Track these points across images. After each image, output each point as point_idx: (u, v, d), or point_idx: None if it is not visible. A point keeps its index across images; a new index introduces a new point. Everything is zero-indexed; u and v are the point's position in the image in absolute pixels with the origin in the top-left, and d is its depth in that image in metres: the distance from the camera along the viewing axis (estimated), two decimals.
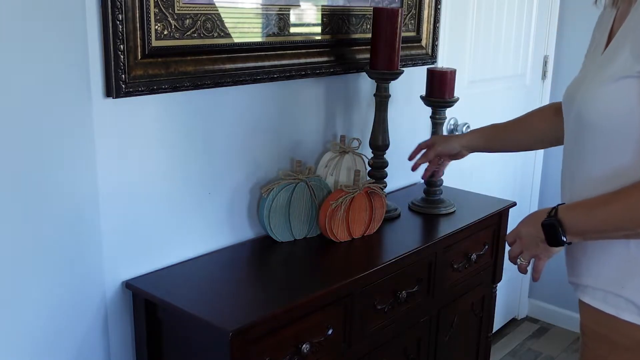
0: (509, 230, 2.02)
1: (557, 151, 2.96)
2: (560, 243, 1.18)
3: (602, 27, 1.26)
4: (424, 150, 1.78)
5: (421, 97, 1.90)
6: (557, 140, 1.56)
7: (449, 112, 2.34)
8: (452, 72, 1.86)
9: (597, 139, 1.15)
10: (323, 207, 1.62)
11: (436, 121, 1.90)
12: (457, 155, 1.75)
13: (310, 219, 1.67)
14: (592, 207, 1.15)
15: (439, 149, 1.73)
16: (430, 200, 1.92)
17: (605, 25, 1.24)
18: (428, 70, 1.88)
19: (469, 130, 2.41)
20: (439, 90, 1.85)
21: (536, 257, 1.26)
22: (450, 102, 1.88)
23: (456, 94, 1.90)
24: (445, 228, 1.79)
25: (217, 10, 1.45)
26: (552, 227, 1.17)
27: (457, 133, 2.41)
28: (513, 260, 1.31)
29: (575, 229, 1.16)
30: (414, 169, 1.80)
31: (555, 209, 1.19)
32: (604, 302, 1.19)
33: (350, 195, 1.64)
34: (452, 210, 1.90)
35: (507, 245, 1.35)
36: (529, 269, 1.30)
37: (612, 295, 1.17)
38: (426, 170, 1.82)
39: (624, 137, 1.11)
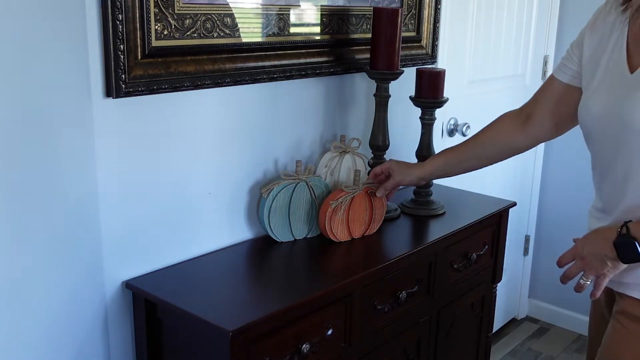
0: (508, 230, 2.04)
1: (557, 152, 2.96)
2: (639, 259, 1.20)
3: (611, 40, 1.28)
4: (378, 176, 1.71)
5: (410, 97, 1.89)
6: (518, 150, 1.58)
7: (450, 112, 2.35)
8: (441, 72, 1.84)
9: None
10: (323, 207, 1.62)
11: (425, 122, 1.87)
12: (414, 184, 1.75)
13: (310, 219, 1.67)
14: None
15: (398, 179, 1.67)
16: (419, 201, 1.90)
17: (619, 40, 1.26)
18: (417, 70, 1.86)
19: (468, 129, 2.40)
20: (428, 91, 1.84)
21: (601, 275, 1.28)
22: (440, 103, 1.85)
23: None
24: (445, 228, 1.78)
25: (217, 10, 1.45)
26: (629, 245, 1.20)
27: (457, 133, 2.41)
28: (567, 280, 1.33)
29: None
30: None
31: (626, 226, 1.21)
32: None
33: (351, 195, 1.63)
34: (441, 212, 1.89)
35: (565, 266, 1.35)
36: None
37: None
38: (379, 190, 1.69)
39: None
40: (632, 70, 1.22)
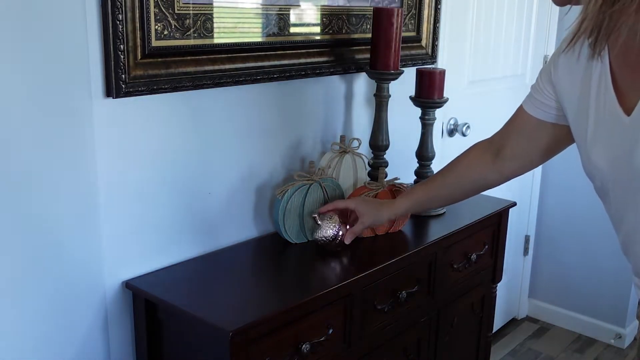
0: (508, 230, 2.04)
1: None
2: None
3: (592, 81, 1.08)
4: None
5: (410, 97, 1.89)
6: (489, 186, 1.46)
7: (450, 112, 2.35)
8: (441, 72, 1.84)
9: None
10: None
11: (425, 122, 1.87)
12: (383, 224, 1.65)
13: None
14: None
15: (368, 223, 1.54)
16: None
17: (602, 80, 1.06)
18: (417, 70, 1.86)
19: (468, 129, 2.40)
20: (428, 91, 1.84)
21: None
22: (439, 103, 1.85)
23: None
24: (445, 228, 1.78)
25: (217, 10, 1.45)
26: None
27: (457, 133, 2.41)
28: None
29: None
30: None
31: None
32: None
33: (374, 192, 1.65)
34: (441, 212, 1.88)
35: None
36: None
37: None
38: (347, 237, 1.55)
39: None
40: (627, 112, 1.02)
